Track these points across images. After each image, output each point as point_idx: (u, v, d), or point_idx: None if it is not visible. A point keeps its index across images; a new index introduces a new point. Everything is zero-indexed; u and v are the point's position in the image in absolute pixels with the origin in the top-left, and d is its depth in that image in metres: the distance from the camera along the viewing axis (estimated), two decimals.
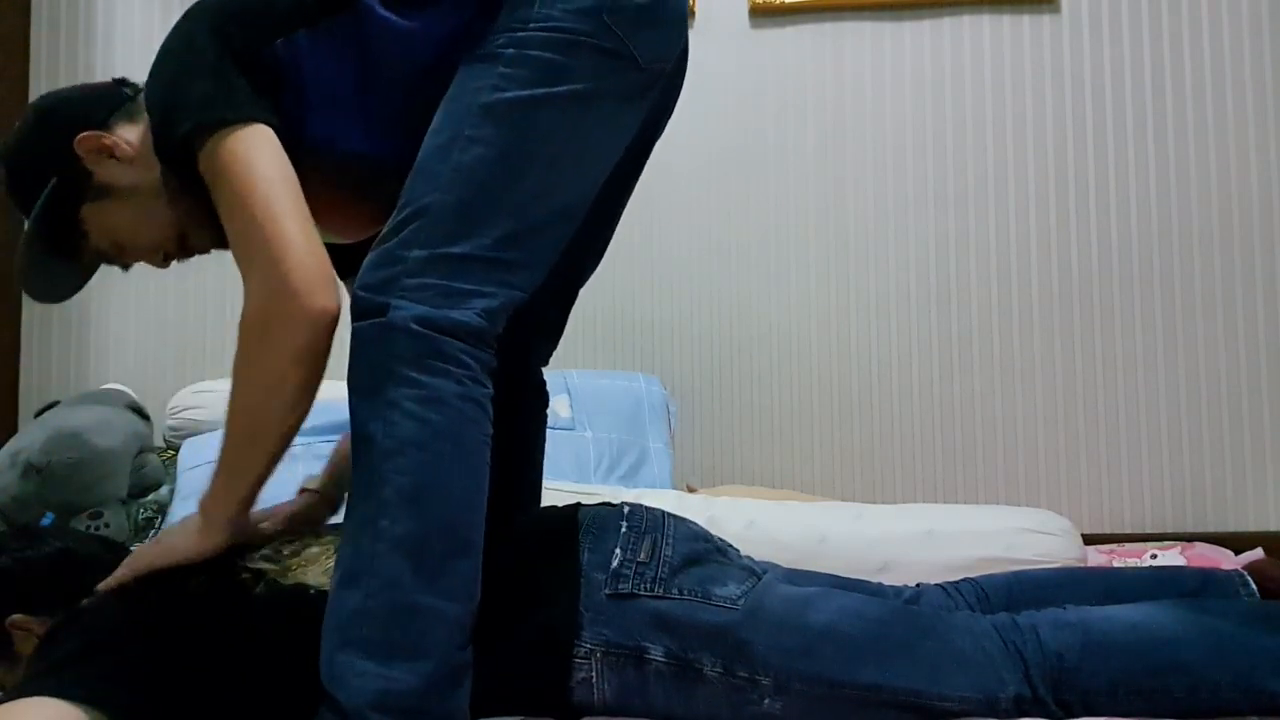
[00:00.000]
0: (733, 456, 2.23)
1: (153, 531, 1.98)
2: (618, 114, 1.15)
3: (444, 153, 1.06)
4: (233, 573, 1.12)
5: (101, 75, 2.64)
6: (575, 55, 1.08)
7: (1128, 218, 2.46)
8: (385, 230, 1.06)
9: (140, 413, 2.24)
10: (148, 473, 2.10)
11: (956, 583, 1.23)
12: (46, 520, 1.95)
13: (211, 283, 2.59)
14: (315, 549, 1.15)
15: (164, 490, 2.08)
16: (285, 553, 1.13)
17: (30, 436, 2.04)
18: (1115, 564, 2.07)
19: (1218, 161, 2.45)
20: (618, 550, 1.08)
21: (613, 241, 1.35)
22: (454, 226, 1.04)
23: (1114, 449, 2.43)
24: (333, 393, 2.47)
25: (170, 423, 2.31)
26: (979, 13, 2.51)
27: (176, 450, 2.17)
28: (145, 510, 2.01)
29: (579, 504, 1.18)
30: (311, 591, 1.08)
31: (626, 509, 1.15)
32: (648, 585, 1.06)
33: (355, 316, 1.03)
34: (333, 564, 1.06)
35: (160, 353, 2.58)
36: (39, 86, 2.64)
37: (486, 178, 1.05)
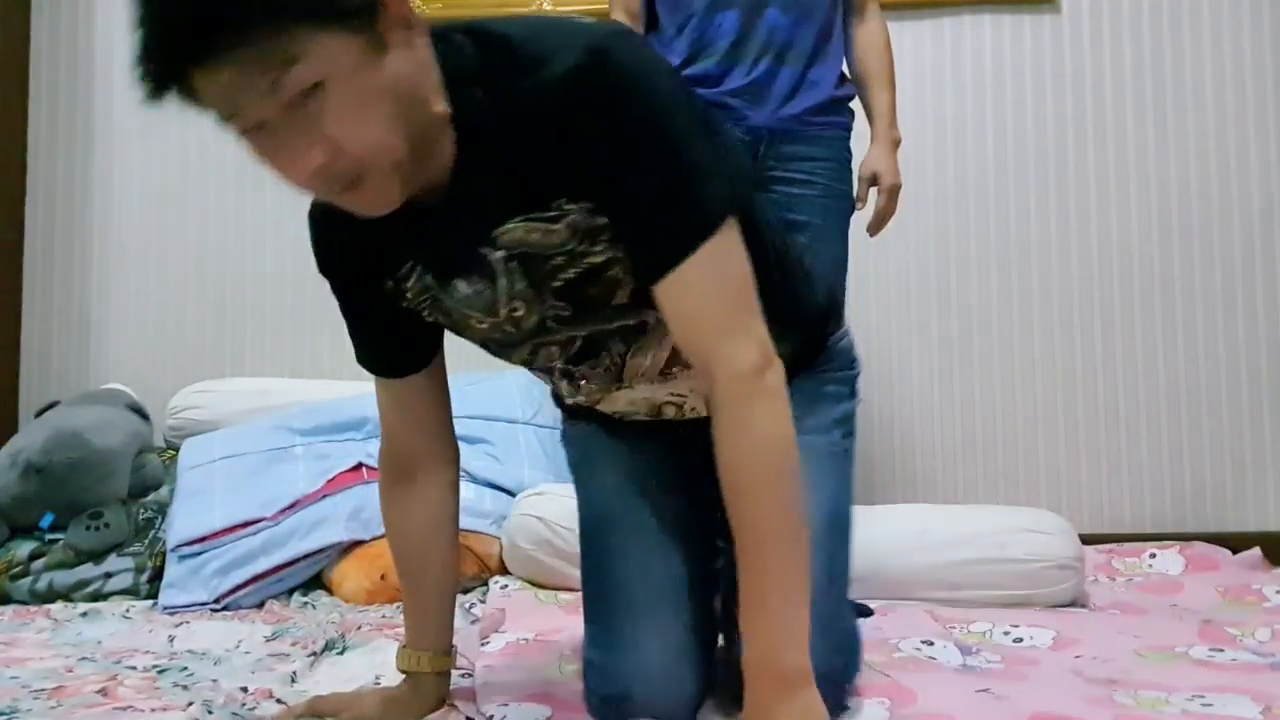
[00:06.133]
0: None
1: (153, 532, 1.98)
2: None
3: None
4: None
5: (102, 76, 2.66)
6: None
7: (1127, 217, 2.46)
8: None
9: (140, 413, 2.24)
10: (148, 473, 2.10)
11: None
12: (46, 520, 1.96)
13: (211, 283, 2.60)
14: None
15: (164, 490, 2.08)
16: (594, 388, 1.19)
17: (30, 436, 2.04)
18: (1113, 564, 2.07)
19: (1218, 161, 2.46)
20: None
21: None
22: None
23: (1113, 449, 2.43)
24: (337, 391, 2.44)
25: (170, 423, 2.32)
26: (979, 13, 2.51)
27: (176, 450, 2.16)
28: (145, 510, 2.01)
29: None
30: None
31: None
32: None
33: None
34: (637, 396, 1.18)
35: (160, 353, 2.58)
36: (39, 85, 2.64)
37: None
